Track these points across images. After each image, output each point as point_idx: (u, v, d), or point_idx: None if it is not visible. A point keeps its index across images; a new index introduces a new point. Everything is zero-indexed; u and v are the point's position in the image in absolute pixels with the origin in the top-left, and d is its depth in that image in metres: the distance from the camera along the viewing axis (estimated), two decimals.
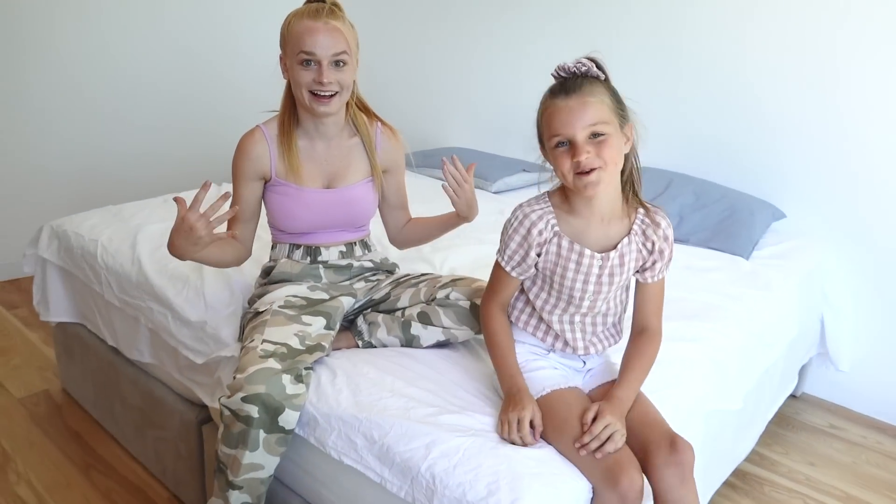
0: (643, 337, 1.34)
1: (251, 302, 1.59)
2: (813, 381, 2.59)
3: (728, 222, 2.30)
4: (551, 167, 1.25)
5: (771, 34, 2.42)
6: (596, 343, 1.37)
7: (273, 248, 1.62)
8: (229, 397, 1.27)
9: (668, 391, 1.42)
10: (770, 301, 1.95)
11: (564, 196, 1.28)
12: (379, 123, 1.61)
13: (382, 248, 1.93)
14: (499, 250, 1.33)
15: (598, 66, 1.21)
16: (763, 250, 2.29)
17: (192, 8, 3.38)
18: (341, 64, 1.43)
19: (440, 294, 1.48)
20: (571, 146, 1.17)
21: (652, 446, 1.19)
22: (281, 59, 1.49)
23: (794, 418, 2.44)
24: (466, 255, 2.05)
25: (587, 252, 1.27)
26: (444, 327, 1.47)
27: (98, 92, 3.19)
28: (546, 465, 1.15)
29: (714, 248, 2.24)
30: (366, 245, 1.66)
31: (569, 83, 1.19)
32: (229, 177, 3.47)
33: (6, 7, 2.89)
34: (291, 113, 1.53)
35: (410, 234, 1.73)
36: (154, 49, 3.29)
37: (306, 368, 1.34)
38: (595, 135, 1.17)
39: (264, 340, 1.36)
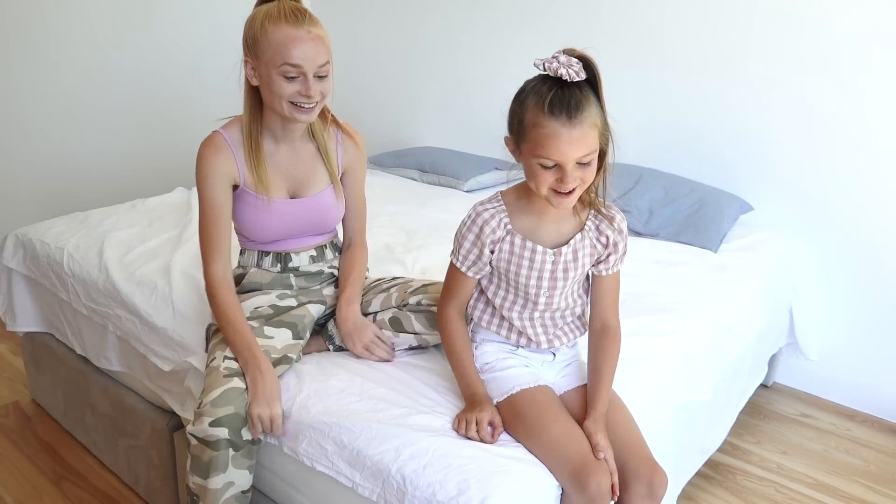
0: (606, 337, 1.34)
1: None
2: (783, 371, 2.63)
3: (697, 216, 2.33)
4: (518, 164, 1.22)
5: (736, 29, 2.45)
6: (560, 336, 1.37)
7: (241, 253, 1.59)
8: (195, 424, 1.25)
9: (637, 386, 1.43)
10: (737, 293, 1.97)
11: (519, 193, 1.28)
12: (338, 127, 1.57)
13: None
14: (453, 251, 1.32)
15: (590, 69, 1.14)
16: (731, 243, 2.32)
17: (158, 16, 3.33)
18: (324, 74, 1.39)
19: (412, 300, 1.47)
20: (559, 169, 1.14)
21: (630, 475, 1.20)
22: (246, 62, 1.40)
23: (765, 408, 2.48)
24: (437, 254, 2.05)
25: (539, 249, 1.27)
26: (416, 333, 1.46)
27: (62, 97, 3.14)
28: (516, 464, 1.16)
29: (683, 241, 2.27)
30: (336, 246, 1.65)
31: (570, 103, 1.10)
32: (195, 181, 3.47)
33: None
34: (257, 116, 1.46)
35: (341, 262, 1.64)
36: (118, 54, 3.24)
37: None
38: (583, 162, 1.15)
39: (226, 357, 1.34)
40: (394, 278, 1.63)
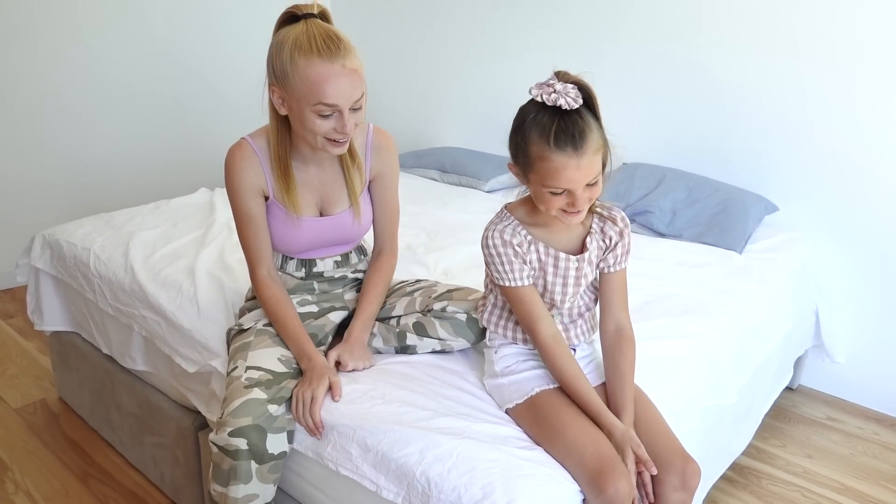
0: (622, 340, 1.33)
1: (241, 313, 1.58)
2: (809, 374, 2.59)
3: (721, 217, 2.30)
4: (521, 185, 1.24)
5: (760, 29, 2.42)
6: (579, 335, 1.38)
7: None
8: (217, 433, 1.26)
9: (663, 389, 1.42)
10: (763, 295, 1.95)
11: (528, 207, 1.29)
12: (371, 126, 1.52)
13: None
14: (499, 279, 1.28)
15: (587, 94, 1.15)
16: (756, 244, 2.29)
17: (182, 16, 3.37)
18: (359, 107, 1.32)
19: (436, 306, 1.47)
20: (569, 193, 1.16)
21: (662, 466, 1.19)
22: (273, 90, 1.32)
23: (791, 411, 2.45)
24: (460, 255, 2.05)
25: (562, 255, 1.29)
26: (439, 338, 1.45)
27: (89, 99, 3.18)
28: (540, 467, 1.15)
29: (707, 242, 2.24)
30: (362, 250, 1.63)
31: (574, 134, 1.11)
32: (220, 182, 3.50)
33: None
34: (285, 138, 1.40)
35: (367, 270, 1.59)
36: (144, 56, 3.28)
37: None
38: (591, 183, 1.17)
39: (248, 367, 1.34)
40: (417, 281, 1.63)
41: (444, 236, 2.22)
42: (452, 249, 2.09)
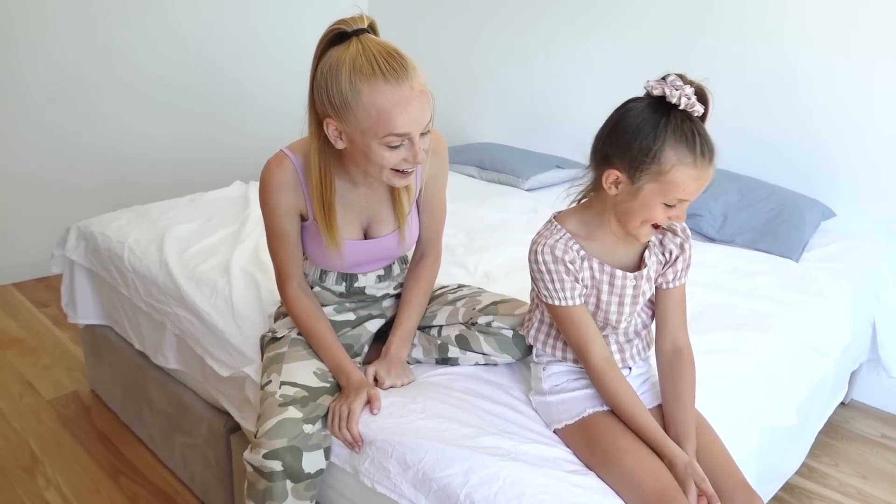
0: (681, 361, 1.23)
1: (276, 316, 1.51)
2: (862, 388, 2.47)
3: (776, 222, 2.19)
4: (608, 188, 1.11)
5: (816, 30, 2.29)
6: (634, 355, 1.29)
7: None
8: (251, 452, 1.20)
9: (721, 409, 1.33)
10: (823, 308, 1.84)
11: (581, 219, 1.20)
12: None
13: None
14: (548, 298, 1.18)
15: (704, 101, 1.06)
16: (812, 252, 2.17)
17: (214, 8, 3.33)
18: (429, 130, 1.18)
19: (481, 320, 1.38)
20: (679, 205, 1.09)
21: (724, 500, 1.11)
22: (328, 123, 1.16)
23: (843, 427, 2.33)
24: (501, 258, 1.97)
25: (619, 273, 1.19)
26: (483, 353, 1.38)
27: (126, 93, 3.17)
28: (592, 495, 1.07)
29: (761, 249, 2.13)
30: (403, 259, 1.52)
31: (711, 144, 1.05)
32: (253, 175, 3.47)
33: (23, 7, 2.87)
34: (329, 168, 1.24)
35: (407, 274, 1.49)
36: (178, 50, 3.26)
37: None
38: None
39: (282, 383, 1.27)
40: (459, 286, 1.55)
41: (484, 236, 2.14)
42: (493, 251, 2.01)
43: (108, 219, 2.13)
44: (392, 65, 1.10)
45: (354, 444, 1.22)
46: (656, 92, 1.06)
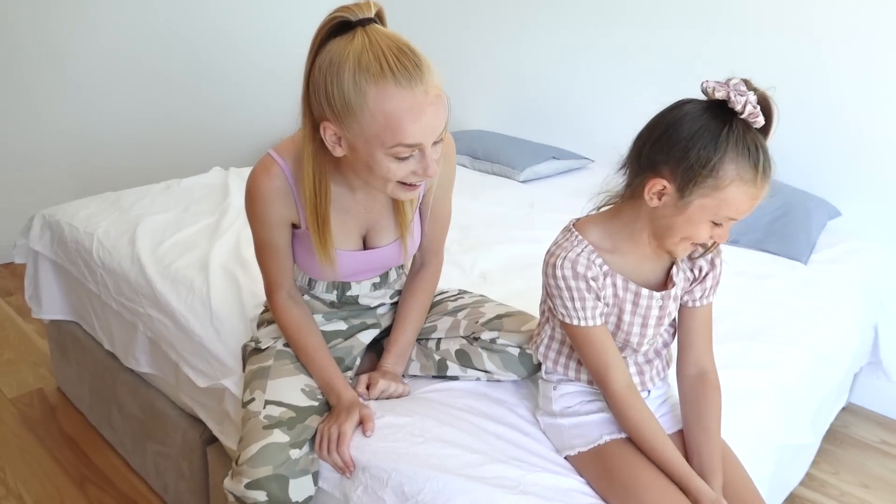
0: (706, 387, 1.13)
1: (258, 325, 1.38)
2: (860, 392, 2.41)
3: (782, 222, 2.10)
4: (648, 199, 0.99)
5: (822, 26, 2.20)
6: (654, 377, 1.19)
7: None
8: (232, 479, 1.08)
9: (738, 429, 1.23)
10: (834, 315, 1.76)
11: (607, 231, 1.08)
12: None
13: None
14: (566, 317, 1.07)
15: (768, 112, 0.95)
16: (820, 253, 2.09)
17: None
18: (441, 138, 1.03)
19: (485, 335, 1.26)
20: (725, 223, 0.98)
21: None
22: (326, 127, 1.01)
23: (842, 432, 2.27)
24: (497, 257, 1.87)
25: (644, 293, 1.08)
26: (486, 371, 1.26)
27: (97, 71, 2.98)
28: None
29: (768, 250, 2.05)
30: (400, 265, 1.39)
31: (767, 162, 0.94)
32: (232, 160, 3.31)
33: None
34: (324, 157, 1.08)
35: (406, 283, 1.36)
36: (155, 25, 3.07)
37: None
38: None
39: (267, 402, 1.14)
40: (460, 293, 1.43)
41: (479, 233, 2.03)
42: (489, 249, 1.90)
43: (75, 207, 1.98)
44: (404, 63, 0.95)
45: (345, 468, 1.11)
46: (719, 95, 0.93)
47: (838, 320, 1.75)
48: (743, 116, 0.93)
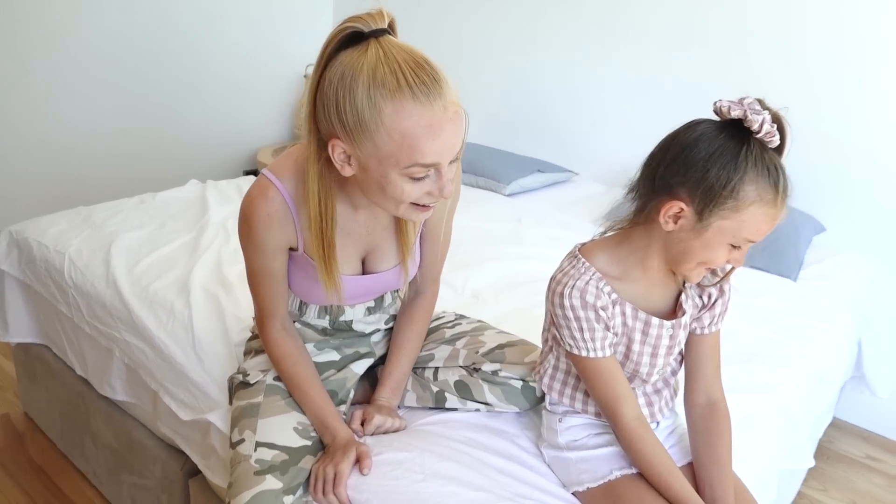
0: (717, 417, 1.10)
1: (245, 354, 1.31)
2: (844, 406, 2.41)
3: (771, 238, 2.04)
4: (664, 223, 0.95)
5: (801, 41, 2.21)
6: (663, 407, 1.15)
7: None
8: None
9: (744, 456, 1.20)
10: (827, 333, 1.75)
11: (615, 256, 1.04)
12: None
13: None
14: (574, 348, 1.02)
15: (782, 132, 0.93)
16: (807, 269, 2.09)
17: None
18: (458, 157, 0.98)
19: (486, 367, 1.21)
20: (742, 249, 0.96)
21: None
22: (335, 144, 0.94)
23: (828, 448, 2.27)
24: (489, 275, 1.82)
25: (655, 322, 1.04)
26: (486, 403, 1.21)
27: (65, 76, 2.86)
28: None
29: (758, 267, 2.04)
30: (396, 291, 1.33)
31: (786, 182, 0.92)
32: (209, 173, 3.21)
33: None
34: (329, 193, 1.02)
35: (399, 316, 1.30)
36: (128, 31, 2.96)
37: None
38: None
39: (258, 444, 1.08)
40: (457, 318, 1.37)
41: (468, 250, 1.98)
42: (479, 267, 1.85)
43: (45, 223, 1.88)
44: (422, 78, 0.89)
45: None
46: (735, 114, 0.90)
47: (830, 338, 1.75)
48: (759, 136, 0.90)
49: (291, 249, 1.13)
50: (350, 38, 0.92)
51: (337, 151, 0.95)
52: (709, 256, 0.95)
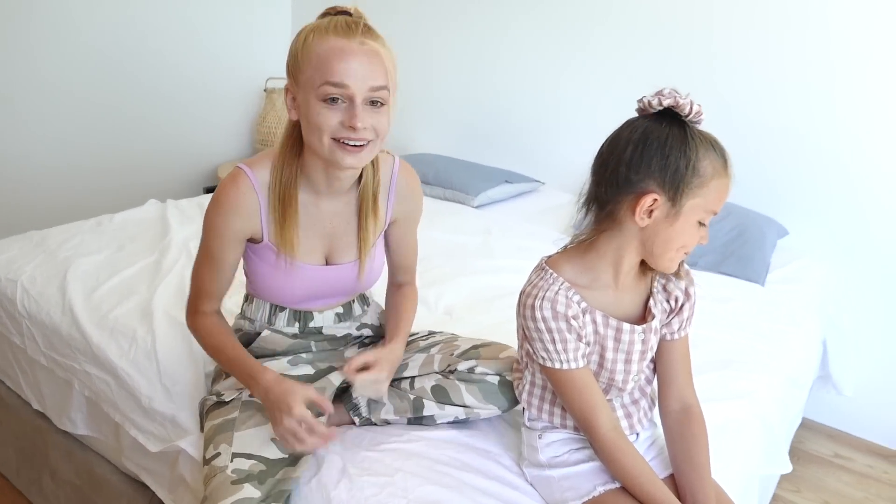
0: (692, 422, 1.10)
1: (216, 378, 1.27)
2: (811, 406, 2.46)
3: (738, 243, 2.13)
4: (639, 219, 0.97)
5: (765, 40, 2.26)
6: (642, 418, 1.15)
7: (247, 300, 1.28)
8: None
9: (725, 464, 1.20)
10: (797, 336, 1.78)
11: (582, 265, 1.05)
12: (396, 160, 1.24)
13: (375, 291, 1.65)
14: (547, 360, 1.03)
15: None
16: (773, 273, 2.13)
17: (118, 4, 2.96)
18: (379, 104, 1.05)
19: (461, 366, 1.21)
20: (706, 225, 1.01)
21: None
22: (288, 89, 1.09)
23: (797, 448, 2.30)
24: (462, 290, 1.80)
25: (626, 327, 1.05)
26: (465, 406, 1.20)
27: (15, 93, 2.75)
28: None
29: (726, 272, 2.06)
30: (365, 299, 1.35)
31: (725, 152, 0.99)
32: (169, 192, 3.12)
33: None
34: (294, 159, 1.13)
35: (387, 302, 1.38)
36: (81, 44, 2.87)
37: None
38: None
39: (234, 455, 1.05)
40: (430, 333, 1.36)
41: (439, 263, 1.96)
42: (452, 282, 1.83)
43: None
44: (348, 24, 1.04)
45: (326, 440, 1.06)
46: (667, 102, 0.96)
47: (800, 342, 1.77)
48: (690, 117, 0.97)
49: (252, 242, 1.16)
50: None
51: (288, 97, 1.09)
52: (685, 239, 0.99)
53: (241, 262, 1.21)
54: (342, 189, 1.17)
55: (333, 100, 1.02)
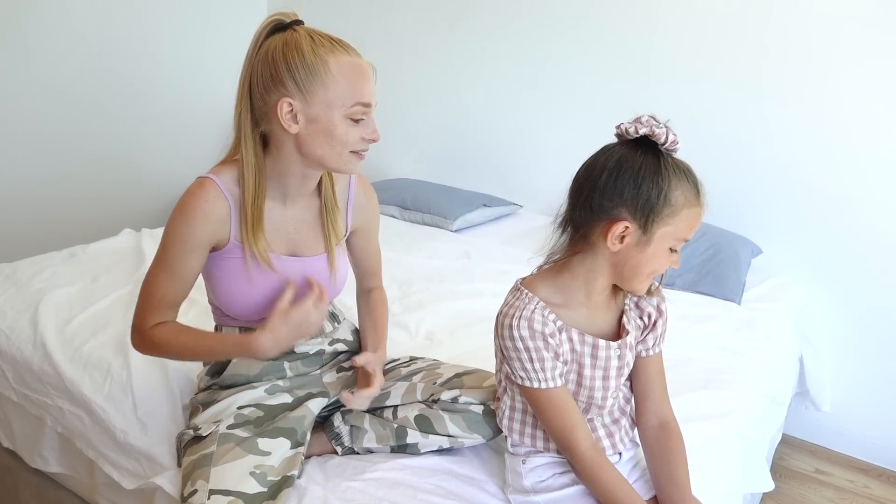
0: (670, 438, 1.11)
1: (192, 412, 1.24)
2: (791, 422, 2.48)
3: (713, 262, 2.15)
4: (611, 244, 0.99)
5: (733, 61, 2.31)
6: (623, 438, 1.15)
7: (217, 330, 1.27)
8: None
9: (709, 484, 1.20)
10: (773, 354, 1.79)
11: (556, 286, 1.06)
12: (351, 182, 1.29)
13: (346, 308, 1.64)
14: (525, 380, 1.04)
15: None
16: (749, 292, 2.15)
17: (100, 21, 2.95)
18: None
19: (444, 396, 1.20)
20: (678, 252, 1.03)
21: None
22: (283, 104, 1.07)
23: (778, 464, 2.32)
24: (442, 315, 1.79)
25: (602, 343, 1.06)
26: (449, 435, 1.19)
27: None
28: None
29: (703, 292, 2.08)
30: (335, 317, 1.36)
31: (698, 181, 1.01)
32: (144, 221, 3.08)
33: None
34: (263, 172, 1.14)
35: (359, 309, 1.42)
36: (55, 62, 2.84)
37: None
38: None
39: (212, 492, 1.02)
40: (411, 360, 1.35)
41: (419, 289, 1.95)
42: (432, 307, 1.82)
43: None
44: (344, 43, 1.11)
45: (319, 291, 1.15)
46: (643, 131, 0.98)
47: (778, 360, 1.79)
48: (666, 146, 0.98)
49: (216, 249, 1.16)
50: (276, 29, 1.10)
51: (285, 110, 1.07)
52: (655, 266, 1.01)
53: (204, 281, 1.21)
54: (309, 192, 1.21)
55: (359, 118, 1.10)
